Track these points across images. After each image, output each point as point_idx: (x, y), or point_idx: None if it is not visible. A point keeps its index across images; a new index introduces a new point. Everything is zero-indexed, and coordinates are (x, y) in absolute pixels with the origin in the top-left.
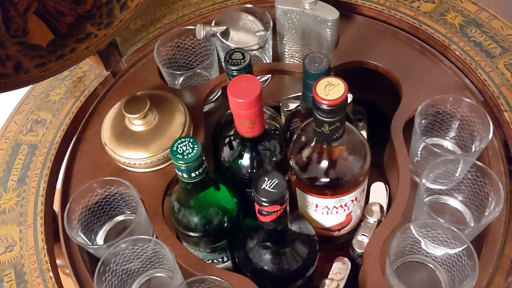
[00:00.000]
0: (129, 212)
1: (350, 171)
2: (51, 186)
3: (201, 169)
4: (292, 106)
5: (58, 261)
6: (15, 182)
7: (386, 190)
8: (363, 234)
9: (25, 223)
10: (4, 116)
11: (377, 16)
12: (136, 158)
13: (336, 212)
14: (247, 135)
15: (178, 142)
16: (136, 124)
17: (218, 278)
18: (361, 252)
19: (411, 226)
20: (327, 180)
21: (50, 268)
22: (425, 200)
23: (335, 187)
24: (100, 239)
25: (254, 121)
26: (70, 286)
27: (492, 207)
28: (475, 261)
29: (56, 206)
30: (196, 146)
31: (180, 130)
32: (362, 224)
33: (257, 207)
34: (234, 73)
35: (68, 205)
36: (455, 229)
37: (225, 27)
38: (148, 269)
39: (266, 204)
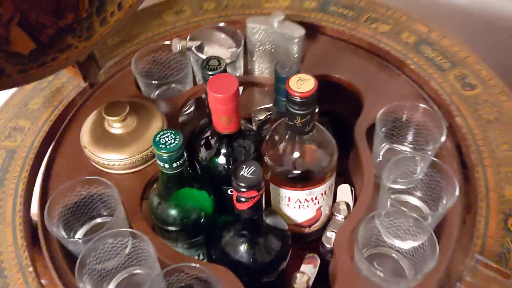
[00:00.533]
0: (106, 214)
1: (319, 164)
2: (29, 188)
3: (182, 160)
4: (263, 116)
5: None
6: None
7: (352, 191)
8: (332, 231)
9: (4, 222)
10: None
11: (339, 36)
12: (114, 159)
13: (307, 206)
14: (224, 131)
15: (160, 133)
16: (115, 127)
17: (197, 266)
18: (330, 248)
19: (375, 215)
20: (298, 172)
21: (29, 263)
22: (387, 198)
23: (306, 179)
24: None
25: (231, 117)
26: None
27: (447, 198)
28: (436, 246)
29: (35, 207)
30: (177, 137)
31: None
32: (330, 222)
33: (235, 195)
34: (209, 76)
35: (48, 203)
36: (417, 216)
37: (199, 42)
38: (127, 267)
39: (244, 190)
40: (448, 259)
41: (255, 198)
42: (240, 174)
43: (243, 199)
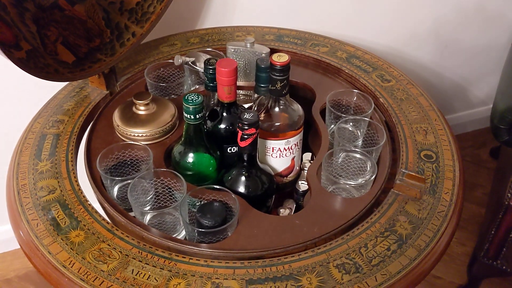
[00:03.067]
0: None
1: (292, 119)
2: (75, 156)
3: (201, 113)
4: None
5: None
6: (47, 155)
7: (312, 156)
8: (302, 181)
9: (61, 177)
10: (25, 123)
11: (293, 55)
12: (140, 132)
13: (285, 155)
14: (226, 100)
15: (188, 95)
16: (141, 109)
17: (217, 186)
18: (302, 192)
19: (329, 154)
20: (278, 124)
21: (87, 199)
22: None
23: (283, 130)
24: (115, 192)
25: (231, 88)
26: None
27: (380, 140)
28: (375, 169)
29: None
30: (199, 97)
31: (170, 118)
32: (300, 175)
33: (239, 134)
34: (211, 71)
35: (98, 158)
36: (363, 151)
37: (194, 58)
38: (160, 207)
39: (247, 127)
40: (384, 178)
41: (253, 136)
42: (245, 117)
43: (246, 136)
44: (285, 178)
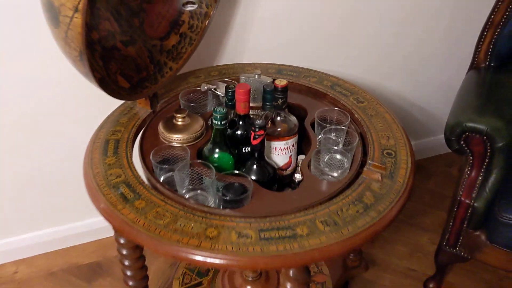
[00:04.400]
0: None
1: (289, 126)
2: (131, 154)
3: (225, 121)
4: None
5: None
6: (111, 153)
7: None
8: (297, 173)
9: (124, 167)
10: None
11: (290, 84)
12: (179, 138)
13: (285, 153)
14: (242, 112)
15: (217, 107)
16: (179, 121)
17: (237, 172)
18: (298, 181)
19: (316, 151)
20: (280, 129)
21: (144, 181)
22: (325, 155)
23: (283, 135)
24: (161, 179)
25: (246, 104)
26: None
27: (354, 143)
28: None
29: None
30: (224, 109)
31: (200, 128)
32: (295, 170)
33: (252, 135)
34: (230, 93)
35: (151, 155)
36: (343, 150)
37: (215, 86)
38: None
39: (258, 130)
40: (357, 167)
41: (262, 136)
42: (256, 122)
43: (257, 136)
44: (284, 171)
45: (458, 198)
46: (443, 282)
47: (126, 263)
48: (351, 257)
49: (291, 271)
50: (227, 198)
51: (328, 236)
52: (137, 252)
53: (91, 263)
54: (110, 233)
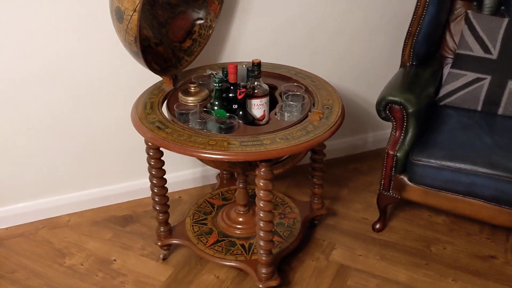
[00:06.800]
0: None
1: (263, 89)
2: (161, 108)
3: (221, 84)
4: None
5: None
6: (149, 108)
7: None
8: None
9: (157, 114)
10: (134, 95)
11: (266, 73)
12: (192, 99)
13: (260, 108)
14: (232, 81)
15: (216, 75)
16: (192, 89)
17: (228, 114)
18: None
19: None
20: (257, 91)
21: (171, 121)
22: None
23: (259, 95)
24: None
25: (234, 75)
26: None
27: (305, 100)
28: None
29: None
30: (221, 76)
31: (206, 95)
32: (268, 122)
33: (238, 92)
34: (225, 71)
35: (175, 106)
36: (299, 93)
37: (215, 72)
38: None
39: (241, 88)
40: (306, 114)
41: (244, 92)
42: (240, 84)
43: (241, 93)
44: (260, 121)
45: (386, 151)
46: (386, 225)
47: (152, 162)
48: (315, 200)
49: (261, 170)
50: (222, 126)
51: (282, 144)
52: (159, 155)
53: (125, 215)
54: (139, 195)
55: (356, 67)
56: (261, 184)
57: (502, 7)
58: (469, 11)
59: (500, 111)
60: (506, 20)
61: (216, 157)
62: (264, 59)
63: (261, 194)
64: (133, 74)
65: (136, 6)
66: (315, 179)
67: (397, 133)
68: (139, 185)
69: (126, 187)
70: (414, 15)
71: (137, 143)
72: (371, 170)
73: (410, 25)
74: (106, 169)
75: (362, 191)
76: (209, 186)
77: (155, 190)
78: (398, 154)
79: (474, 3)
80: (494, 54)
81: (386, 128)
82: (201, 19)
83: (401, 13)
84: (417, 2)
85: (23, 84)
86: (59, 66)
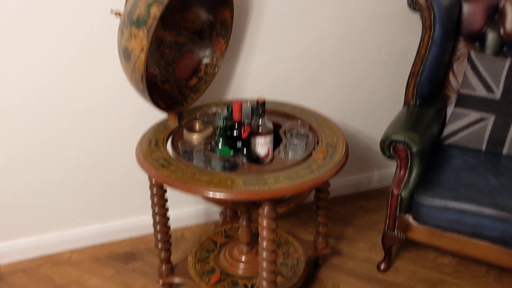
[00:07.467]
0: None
1: (267, 127)
2: (166, 146)
3: (226, 121)
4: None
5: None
6: (154, 146)
7: None
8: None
9: (161, 151)
10: (138, 131)
11: (271, 111)
12: (196, 137)
13: (264, 146)
14: (237, 118)
15: (221, 113)
16: (197, 126)
17: (232, 153)
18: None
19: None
20: (261, 129)
21: (174, 158)
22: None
23: (263, 133)
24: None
25: (239, 112)
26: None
27: (309, 138)
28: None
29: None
30: (226, 114)
31: (210, 132)
32: (272, 159)
33: (243, 130)
34: (230, 108)
35: (179, 144)
36: (303, 132)
37: (220, 109)
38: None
39: (246, 126)
40: (310, 151)
41: (248, 131)
42: (245, 122)
43: (245, 131)
44: (265, 160)
45: (391, 191)
46: (391, 265)
47: (155, 200)
48: (319, 240)
49: (265, 210)
50: (226, 164)
51: (286, 183)
52: (163, 192)
53: (126, 252)
54: (141, 231)
55: (360, 104)
56: (265, 223)
57: (505, 48)
58: (471, 51)
59: (505, 151)
60: (508, 61)
61: (219, 196)
62: (269, 96)
63: (264, 234)
64: (139, 111)
65: (144, 47)
66: (319, 218)
67: (402, 172)
68: (141, 222)
69: (128, 223)
70: (417, 55)
71: (140, 179)
72: (376, 208)
73: (413, 65)
74: (108, 204)
75: (367, 229)
76: (212, 223)
77: (158, 228)
78: (402, 194)
79: (477, 43)
80: (497, 94)
81: (391, 167)
82: (207, 57)
83: (405, 51)
84: (420, 42)
85: (26, 117)
86: (64, 100)
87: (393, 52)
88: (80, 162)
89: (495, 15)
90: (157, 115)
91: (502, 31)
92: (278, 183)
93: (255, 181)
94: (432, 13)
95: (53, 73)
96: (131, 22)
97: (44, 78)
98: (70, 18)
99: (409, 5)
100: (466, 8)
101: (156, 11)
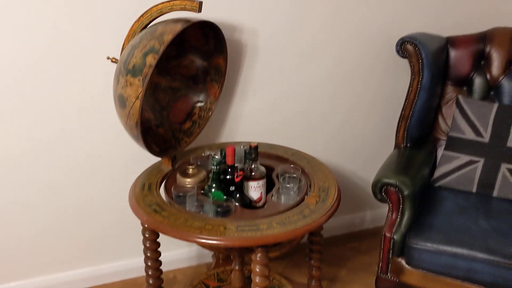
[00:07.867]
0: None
1: (260, 171)
2: (159, 190)
3: (219, 166)
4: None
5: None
6: (147, 190)
7: None
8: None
9: (154, 196)
10: (133, 174)
11: (264, 154)
12: (189, 181)
13: (257, 190)
14: (230, 163)
15: (214, 157)
16: (190, 170)
17: (225, 197)
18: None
19: (281, 175)
20: (254, 173)
21: (166, 203)
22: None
23: (256, 177)
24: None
25: (232, 156)
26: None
27: (301, 182)
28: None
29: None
30: (219, 158)
31: (204, 176)
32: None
33: (236, 175)
34: (223, 153)
35: (172, 189)
36: (295, 175)
37: (214, 152)
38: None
39: (239, 171)
40: (303, 196)
41: (241, 175)
42: (238, 167)
43: (238, 175)
44: (258, 204)
45: (383, 234)
46: None
47: (148, 244)
48: (313, 283)
49: (257, 256)
50: (219, 210)
51: (278, 229)
52: (155, 236)
53: None
54: (133, 274)
55: (351, 145)
56: (257, 269)
57: (491, 92)
58: (459, 96)
59: (495, 193)
60: (495, 105)
61: (212, 242)
62: (261, 138)
63: (257, 280)
64: (132, 155)
65: (139, 94)
66: (312, 261)
67: (394, 215)
68: (133, 264)
69: (120, 266)
70: (406, 99)
71: (133, 222)
72: (369, 250)
73: (403, 109)
74: (101, 247)
75: (361, 271)
76: (205, 265)
77: (150, 272)
78: (395, 237)
79: (464, 88)
80: (486, 138)
81: (384, 207)
82: (201, 102)
83: (395, 93)
84: (409, 87)
85: (19, 162)
86: (58, 145)
87: (381, 92)
88: (73, 207)
89: (481, 60)
90: (151, 158)
91: (488, 76)
92: (271, 229)
93: (248, 227)
94: (420, 60)
95: (45, 116)
96: (126, 70)
97: (38, 124)
98: (62, 67)
99: (397, 52)
100: (453, 54)
101: (151, 60)
